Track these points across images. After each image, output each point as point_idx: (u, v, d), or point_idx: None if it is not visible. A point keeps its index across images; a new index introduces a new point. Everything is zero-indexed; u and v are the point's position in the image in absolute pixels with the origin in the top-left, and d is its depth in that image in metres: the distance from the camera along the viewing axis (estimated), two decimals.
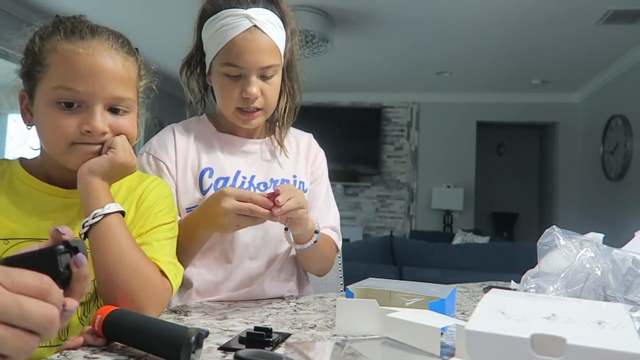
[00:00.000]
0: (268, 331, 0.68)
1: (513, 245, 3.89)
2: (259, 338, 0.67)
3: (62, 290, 0.45)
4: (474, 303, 1.03)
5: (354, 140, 6.54)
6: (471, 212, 6.58)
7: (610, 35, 4.13)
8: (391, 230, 6.60)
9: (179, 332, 0.60)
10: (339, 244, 1.23)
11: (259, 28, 0.99)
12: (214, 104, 1.15)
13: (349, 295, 0.84)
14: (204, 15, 1.03)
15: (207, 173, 1.06)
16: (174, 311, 0.92)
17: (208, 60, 1.05)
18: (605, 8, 3.60)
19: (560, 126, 6.39)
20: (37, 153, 0.87)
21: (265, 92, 1.03)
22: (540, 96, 6.31)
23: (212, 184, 1.05)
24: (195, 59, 1.09)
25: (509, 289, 1.01)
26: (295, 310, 0.94)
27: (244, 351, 0.61)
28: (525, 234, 7.31)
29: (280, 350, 0.67)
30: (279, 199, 0.85)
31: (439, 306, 0.76)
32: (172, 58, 1.33)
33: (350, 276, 1.17)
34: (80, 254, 0.49)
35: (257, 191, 1.08)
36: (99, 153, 0.80)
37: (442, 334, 0.65)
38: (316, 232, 1.02)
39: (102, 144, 0.80)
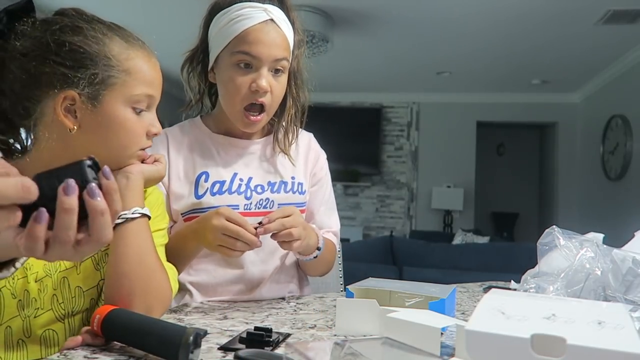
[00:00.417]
0: (268, 331, 0.68)
1: (513, 245, 3.89)
2: (259, 338, 0.67)
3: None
4: (474, 303, 1.03)
5: (354, 140, 6.54)
6: (471, 212, 6.59)
7: (610, 35, 4.13)
8: (391, 230, 6.60)
9: (178, 331, 0.60)
10: (338, 247, 1.24)
11: (275, 22, 0.99)
12: (209, 106, 1.14)
13: (349, 295, 0.84)
14: (215, 9, 1.03)
15: (203, 177, 1.06)
16: (174, 311, 0.92)
17: (214, 54, 1.03)
18: (605, 8, 3.60)
19: (560, 126, 6.39)
20: None
21: (273, 89, 1.02)
22: (540, 96, 6.31)
23: (208, 188, 1.05)
24: (199, 55, 1.08)
25: (509, 289, 1.01)
26: (295, 310, 0.94)
27: (244, 351, 0.61)
28: (525, 234, 7.31)
29: (280, 350, 0.67)
30: (264, 219, 0.87)
31: (439, 306, 0.76)
32: (171, 57, 1.32)
33: (350, 276, 1.17)
34: (107, 167, 0.49)
35: (255, 194, 1.08)
36: None
37: (442, 334, 0.65)
38: (318, 248, 1.03)
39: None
